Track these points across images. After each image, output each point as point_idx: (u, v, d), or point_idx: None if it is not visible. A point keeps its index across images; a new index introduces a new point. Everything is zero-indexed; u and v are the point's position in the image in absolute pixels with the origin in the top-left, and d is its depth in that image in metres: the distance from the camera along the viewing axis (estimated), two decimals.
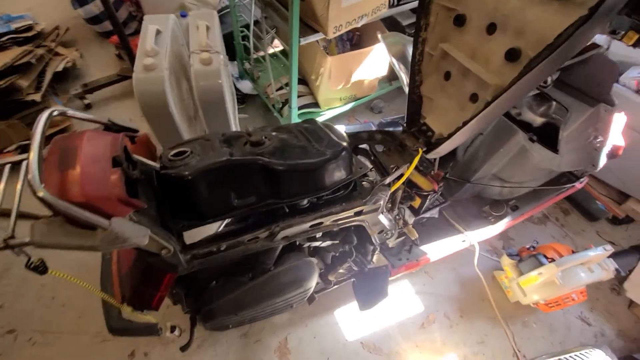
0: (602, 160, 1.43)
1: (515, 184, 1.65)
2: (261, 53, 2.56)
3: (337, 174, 1.06)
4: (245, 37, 2.43)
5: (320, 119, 2.32)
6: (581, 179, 1.66)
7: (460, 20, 1.09)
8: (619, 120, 1.32)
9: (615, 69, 1.18)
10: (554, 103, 1.25)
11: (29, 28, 2.48)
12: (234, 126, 1.98)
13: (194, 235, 1.05)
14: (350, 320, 1.75)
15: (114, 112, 2.56)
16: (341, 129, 2.44)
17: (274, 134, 1.11)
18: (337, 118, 2.48)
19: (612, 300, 1.93)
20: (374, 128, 2.46)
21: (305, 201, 1.09)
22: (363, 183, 1.25)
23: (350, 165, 1.10)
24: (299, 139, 1.11)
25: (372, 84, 2.34)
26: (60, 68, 2.41)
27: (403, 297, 1.86)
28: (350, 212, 1.18)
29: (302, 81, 2.37)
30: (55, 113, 0.81)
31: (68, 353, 1.57)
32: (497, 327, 1.80)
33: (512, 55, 0.95)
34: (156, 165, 1.07)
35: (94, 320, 1.67)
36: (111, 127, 0.96)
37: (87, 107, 2.51)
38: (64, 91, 2.53)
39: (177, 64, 1.86)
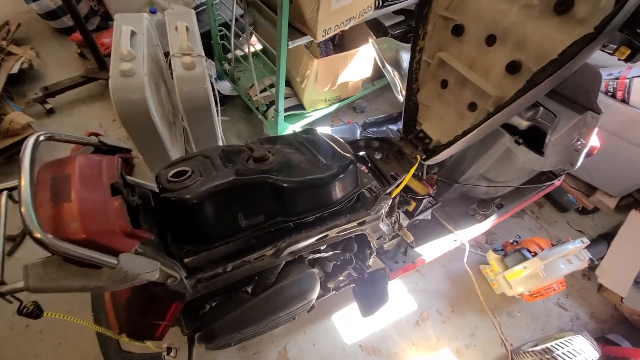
0: (580, 160, 1.53)
1: (500, 183, 1.72)
2: (240, 52, 2.46)
3: (346, 188, 1.04)
4: (223, 37, 2.32)
5: (305, 121, 2.30)
6: (559, 177, 1.76)
7: (458, 31, 1.10)
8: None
9: (600, 77, 1.25)
10: (542, 109, 1.31)
11: None
12: (218, 130, 1.89)
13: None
14: (348, 324, 1.76)
15: (80, 117, 2.36)
16: (326, 130, 2.42)
17: (275, 147, 1.07)
18: (322, 119, 2.45)
19: (584, 286, 2.09)
20: (358, 129, 2.47)
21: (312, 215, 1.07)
22: (364, 192, 1.24)
23: (357, 177, 1.08)
24: (302, 152, 1.08)
25: (356, 85, 2.33)
26: (15, 70, 2.18)
27: (397, 297, 1.89)
28: (354, 223, 1.17)
29: (286, 82, 2.31)
30: (42, 138, 0.73)
31: None
32: (485, 319, 1.89)
33: (513, 67, 0.97)
34: (152, 186, 1.00)
35: (77, 346, 1.56)
36: (101, 148, 0.88)
37: (50, 113, 2.29)
38: (20, 95, 2.29)
39: (154, 67, 1.74)
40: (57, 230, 0.64)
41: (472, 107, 1.14)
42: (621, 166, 1.96)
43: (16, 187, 0.77)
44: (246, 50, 2.31)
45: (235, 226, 0.93)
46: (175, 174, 0.91)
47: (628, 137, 1.85)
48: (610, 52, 0.94)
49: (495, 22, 1.00)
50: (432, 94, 1.27)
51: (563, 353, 1.49)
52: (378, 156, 1.39)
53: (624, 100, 1.79)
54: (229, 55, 2.37)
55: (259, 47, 2.50)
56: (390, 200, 1.26)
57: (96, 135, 1.12)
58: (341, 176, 0.99)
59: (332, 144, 1.10)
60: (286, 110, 2.19)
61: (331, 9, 1.55)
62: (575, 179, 2.27)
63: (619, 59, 0.92)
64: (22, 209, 0.59)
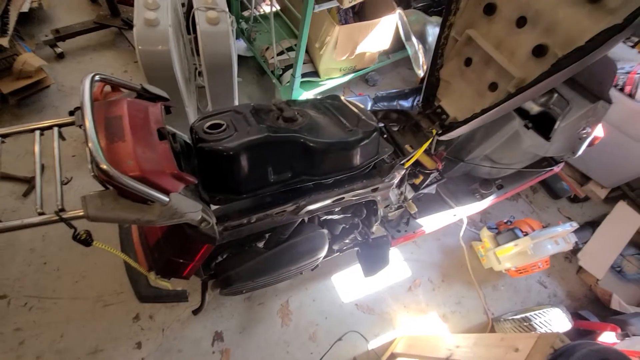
0: (582, 149, 1.60)
1: (503, 165, 1.81)
2: (257, 12, 2.41)
3: (368, 154, 1.10)
4: None
5: (319, 90, 2.31)
6: (559, 164, 1.85)
7: (490, 9, 1.12)
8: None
9: (615, 69, 1.30)
10: (556, 95, 1.36)
11: None
12: (236, 89, 1.90)
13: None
14: (346, 285, 1.89)
15: (92, 64, 2.32)
16: None
17: (303, 109, 1.11)
18: (334, 89, 2.45)
19: (565, 267, 2.25)
20: (369, 101, 2.50)
21: (332, 177, 1.13)
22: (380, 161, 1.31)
23: (378, 144, 1.14)
24: (328, 116, 1.13)
25: (372, 57, 2.33)
26: (25, 8, 2.10)
27: (393, 264, 2.02)
28: (369, 189, 1.25)
29: None
30: (97, 78, 0.76)
31: (70, 317, 1.56)
32: (472, 290, 2.05)
33: (539, 51, 1.02)
34: (184, 135, 1.05)
35: (93, 285, 1.65)
36: (143, 95, 0.91)
37: (60, 57, 2.25)
38: (29, 36, 2.23)
39: (176, 20, 1.71)
40: (114, 165, 0.69)
41: (493, 87, 1.19)
42: (617, 158, 2.06)
43: (66, 124, 0.81)
44: (263, 9, 2.27)
45: (265, 180, 0.99)
46: (211, 125, 0.95)
47: (629, 131, 1.93)
48: (632, 44, 0.98)
49: (528, 5, 1.03)
50: (455, 70, 1.30)
51: (540, 322, 1.65)
52: (395, 128, 1.45)
53: (631, 95, 1.85)
54: (246, 13, 2.32)
55: (276, 7, 2.45)
56: (403, 171, 1.33)
57: None
58: (366, 141, 1.05)
59: (356, 111, 1.15)
60: (301, 76, 2.19)
61: None
62: (571, 168, 2.37)
63: (639, 52, 0.97)
64: (90, 144, 0.64)
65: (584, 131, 1.47)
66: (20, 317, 1.53)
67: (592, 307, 2.11)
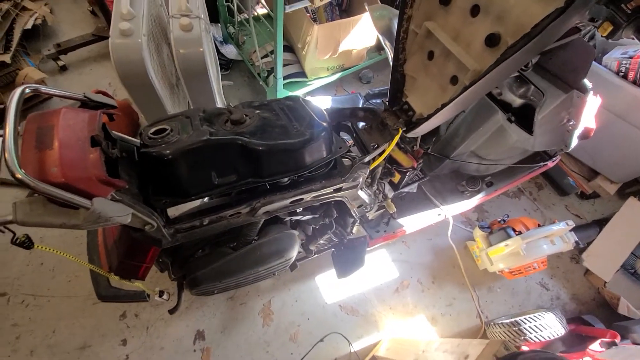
0: (574, 142, 1.49)
1: (491, 161, 1.72)
2: (246, 15, 2.44)
3: (317, 154, 1.08)
4: None
5: (307, 89, 2.30)
6: (553, 158, 1.73)
7: None
8: (592, 103, 1.36)
9: (592, 55, 1.19)
10: (532, 86, 1.28)
11: None
12: (218, 95, 1.94)
13: (178, 207, 1.09)
14: (330, 286, 1.87)
15: (92, 75, 2.45)
16: (327, 99, 2.41)
17: (256, 112, 1.11)
18: (325, 88, 2.44)
19: (570, 269, 2.11)
20: (361, 99, 2.45)
21: (285, 178, 1.13)
22: (343, 160, 1.28)
23: (330, 144, 1.12)
24: (280, 117, 1.12)
25: (360, 54, 2.29)
26: (29, 25, 2.25)
27: (380, 265, 1.98)
28: (330, 189, 1.23)
29: (290, 48, 2.29)
30: (27, 90, 0.80)
31: (62, 314, 1.65)
32: (465, 292, 1.96)
33: (491, 40, 0.95)
34: (136, 141, 1.08)
35: (84, 284, 1.74)
36: (88, 103, 0.95)
37: (63, 69, 2.39)
38: (35, 51, 2.39)
39: (156, 28, 1.77)
40: (40, 173, 0.73)
41: (454, 80, 1.13)
42: (625, 151, 1.89)
43: None
44: (251, 14, 2.30)
45: (209, 183, 1.00)
46: (156, 131, 0.98)
47: (635, 120, 1.77)
48: (596, 26, 0.91)
49: None
50: (419, 65, 1.25)
51: (530, 327, 1.55)
52: (362, 126, 1.41)
53: (635, 82, 1.69)
54: (235, 18, 2.35)
55: (264, 11, 2.47)
56: (368, 170, 1.30)
57: (104, 94, 1.19)
58: (312, 142, 1.03)
59: (310, 111, 1.13)
60: (287, 77, 2.20)
61: None
62: (577, 162, 2.20)
63: (602, 36, 0.89)
64: (6, 154, 0.67)
65: (570, 123, 1.36)
66: (17, 313, 1.64)
67: (599, 312, 1.96)
